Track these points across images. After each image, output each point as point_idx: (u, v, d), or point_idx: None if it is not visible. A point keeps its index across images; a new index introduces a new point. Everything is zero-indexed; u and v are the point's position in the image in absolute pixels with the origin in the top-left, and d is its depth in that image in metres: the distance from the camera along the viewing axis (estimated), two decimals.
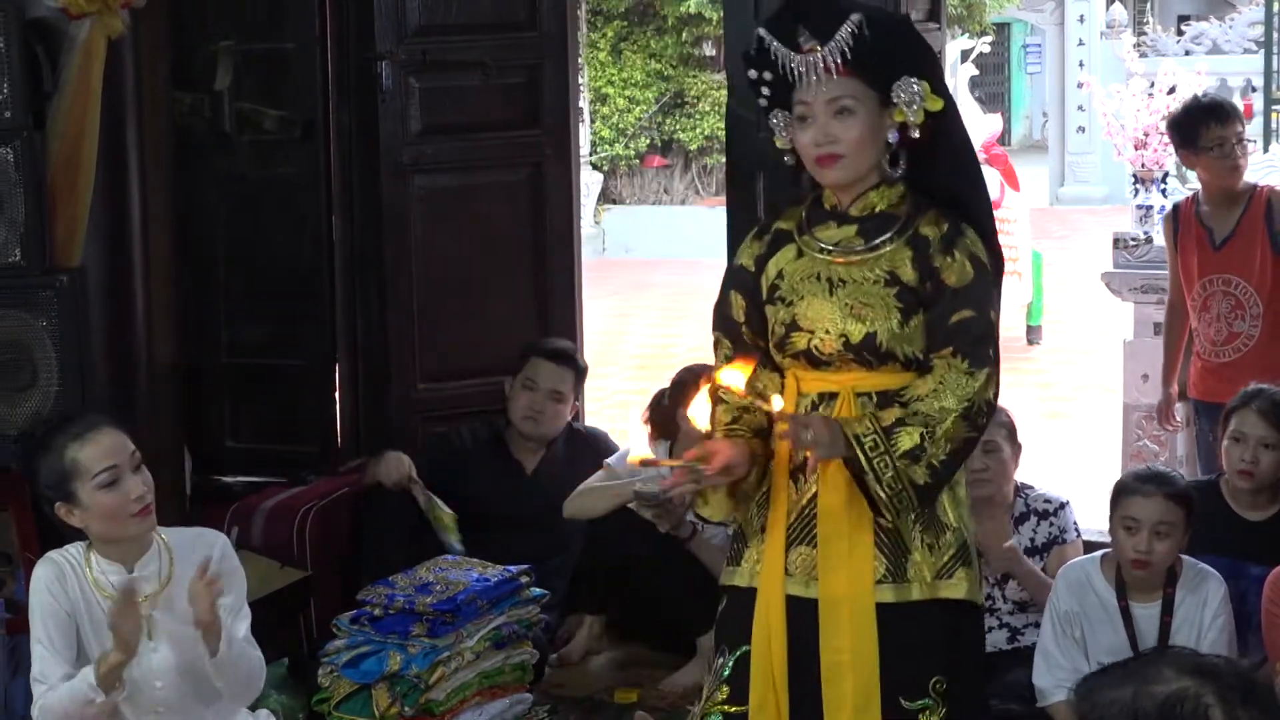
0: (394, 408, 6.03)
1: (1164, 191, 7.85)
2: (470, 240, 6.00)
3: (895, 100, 3.36)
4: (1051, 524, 4.83)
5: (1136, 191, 7.92)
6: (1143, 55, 12.23)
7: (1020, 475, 4.95)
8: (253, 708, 4.04)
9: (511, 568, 4.77)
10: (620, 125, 18.85)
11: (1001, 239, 8.60)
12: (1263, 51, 16.59)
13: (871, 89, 3.37)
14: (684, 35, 18.29)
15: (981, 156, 10.78)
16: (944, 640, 3.40)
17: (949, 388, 3.31)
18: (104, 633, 3.73)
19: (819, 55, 3.33)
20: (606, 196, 18.74)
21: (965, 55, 11.86)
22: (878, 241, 3.41)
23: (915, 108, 3.36)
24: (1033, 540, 4.82)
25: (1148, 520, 4.20)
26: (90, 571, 3.78)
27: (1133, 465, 6.38)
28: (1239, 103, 8.75)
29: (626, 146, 18.91)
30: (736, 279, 3.59)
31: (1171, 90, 7.87)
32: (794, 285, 3.46)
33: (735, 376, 3.33)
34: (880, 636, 3.37)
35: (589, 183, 17.04)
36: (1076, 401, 10.49)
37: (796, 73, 3.36)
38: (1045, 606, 4.45)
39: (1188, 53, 14.29)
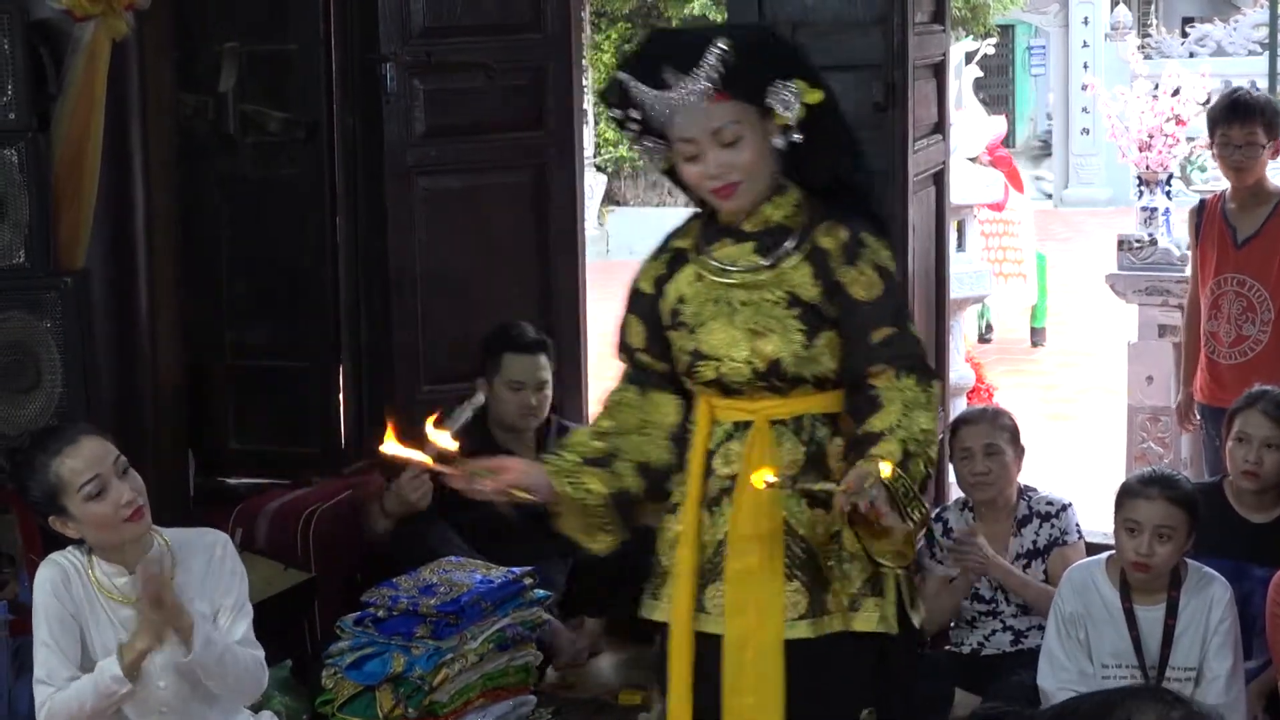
0: (398, 409, 6.02)
1: (1168, 193, 7.85)
2: (474, 242, 6.00)
3: (773, 107, 3.25)
4: (1053, 526, 4.82)
5: (1141, 193, 7.92)
6: (1147, 57, 12.23)
7: (1024, 477, 4.95)
8: (256, 709, 4.04)
9: (515, 569, 4.77)
10: None
11: (1006, 241, 8.51)
12: (1267, 53, 16.62)
13: (749, 104, 3.26)
14: None
15: (985, 159, 10.82)
16: (869, 670, 3.32)
17: (915, 408, 3.22)
18: (108, 634, 3.74)
19: (687, 90, 3.21)
20: (610, 198, 18.75)
21: (970, 57, 11.84)
22: (776, 257, 3.31)
23: (795, 107, 3.24)
24: (1034, 542, 4.81)
25: (1149, 523, 4.19)
26: (93, 574, 3.78)
27: (1137, 467, 6.37)
28: None
29: (630, 148, 18.90)
30: (635, 303, 3.50)
31: (1175, 92, 7.87)
32: (695, 311, 3.37)
33: (393, 448, 3.27)
34: (797, 674, 3.27)
35: (593, 184, 17.05)
36: (1080, 403, 10.49)
37: (666, 112, 3.24)
38: (1047, 609, 4.45)
39: (1192, 55, 14.29)
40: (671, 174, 3.41)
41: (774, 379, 3.29)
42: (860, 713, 3.30)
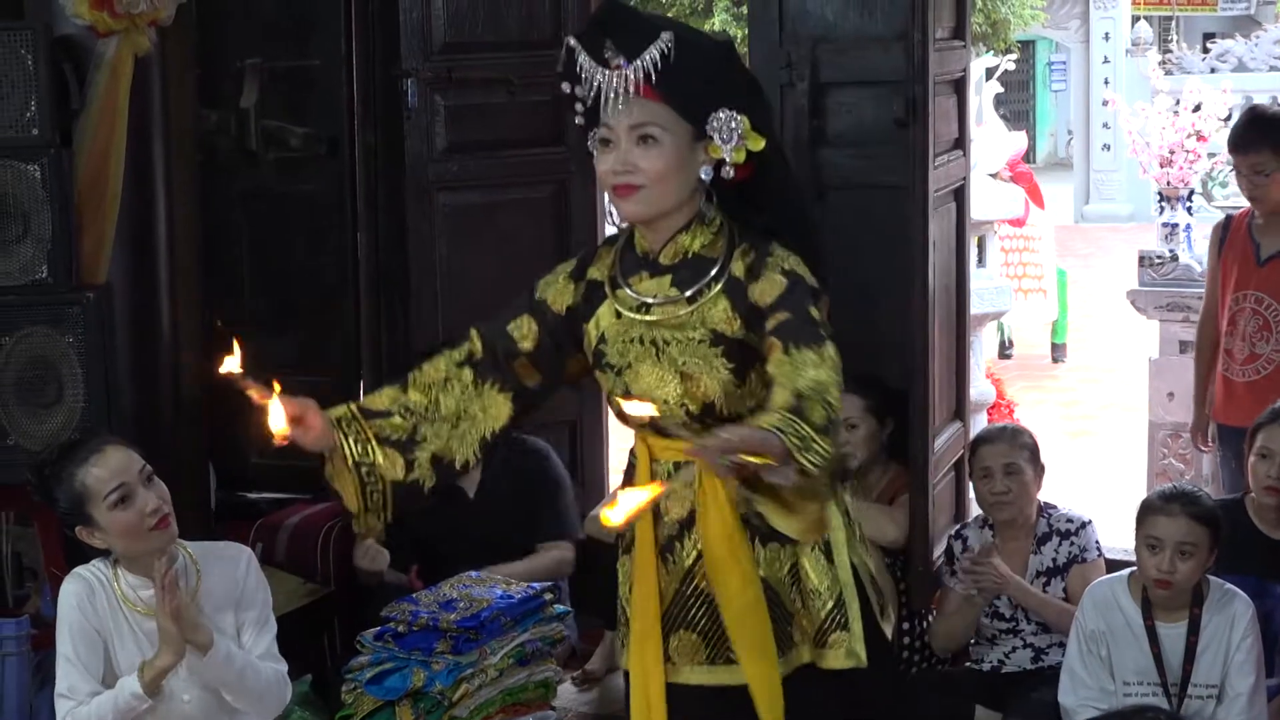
0: None
1: (1189, 209, 7.84)
2: (494, 257, 6.00)
3: (710, 134, 3.09)
4: (1072, 543, 4.80)
5: (1162, 209, 7.91)
6: (1168, 73, 12.20)
7: (1045, 494, 4.94)
8: None
9: (535, 584, 4.77)
10: None
11: (1027, 257, 8.48)
12: None
13: (683, 119, 3.09)
14: None
15: (1006, 174, 10.81)
16: (842, 703, 3.25)
17: (802, 366, 2.92)
18: (131, 647, 3.75)
19: (624, 73, 3.06)
20: None
21: (990, 73, 11.83)
22: (694, 290, 3.13)
23: (733, 144, 3.07)
24: (1054, 560, 4.80)
25: (1171, 540, 4.18)
26: (119, 586, 3.80)
27: (1158, 484, 6.35)
28: None
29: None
30: (536, 308, 3.32)
31: (1197, 108, 7.86)
32: (620, 351, 3.20)
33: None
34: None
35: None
36: (1101, 420, 10.47)
37: (601, 89, 3.09)
38: (1066, 627, 4.43)
39: (1213, 70, 14.24)
40: None
41: (709, 419, 3.13)
42: None
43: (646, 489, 2.94)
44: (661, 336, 3.17)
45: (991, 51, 19.26)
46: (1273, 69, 15.21)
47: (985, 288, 8.40)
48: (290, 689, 3.96)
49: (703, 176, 3.14)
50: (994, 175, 10.31)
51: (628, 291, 3.22)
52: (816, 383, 2.89)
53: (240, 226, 6.10)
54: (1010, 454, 4.83)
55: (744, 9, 11.46)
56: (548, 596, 4.75)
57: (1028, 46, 27.85)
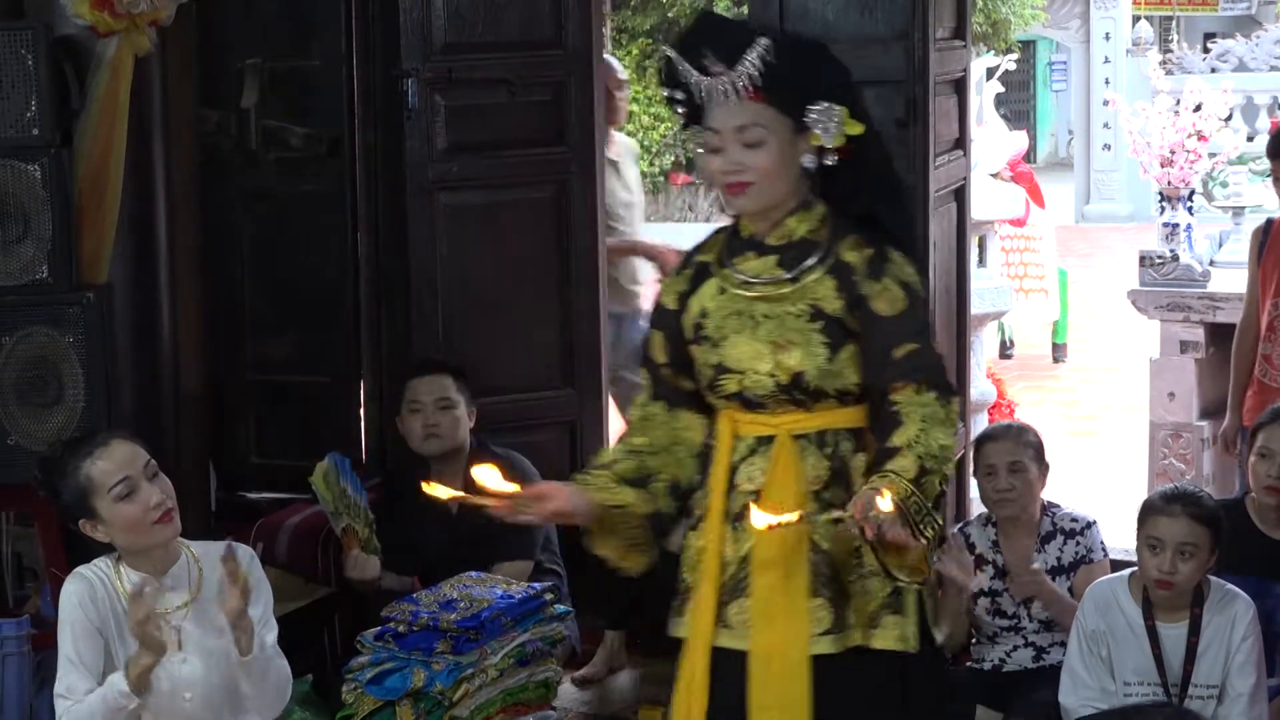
0: None
1: (1190, 209, 7.83)
2: (495, 257, 6.00)
3: (810, 126, 3.26)
4: (1078, 543, 4.80)
5: (1163, 209, 7.90)
6: (1169, 73, 12.20)
7: (1047, 494, 4.93)
8: None
9: (535, 585, 4.77)
10: (645, 143, 18.88)
11: (1027, 257, 8.50)
12: None
13: (784, 115, 3.27)
14: None
15: (1007, 174, 10.81)
16: (891, 687, 3.30)
17: (933, 423, 3.20)
18: (133, 645, 3.74)
19: (726, 81, 3.24)
20: None
21: (990, 73, 11.81)
22: (799, 271, 3.30)
23: (832, 134, 3.26)
24: (1059, 559, 4.80)
25: (1172, 540, 4.17)
26: (121, 584, 3.80)
27: (1159, 484, 6.35)
28: (1265, 120, 8.73)
29: (651, 164, 18.93)
30: (658, 318, 3.49)
31: (1197, 108, 7.85)
32: (718, 324, 3.36)
33: (487, 475, 3.25)
34: (821, 689, 3.25)
35: None
36: (1102, 420, 10.46)
37: (704, 96, 3.27)
38: (1071, 627, 4.43)
39: (1214, 70, 14.24)
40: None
41: (796, 392, 3.28)
42: None
43: (791, 515, 3.14)
44: (760, 310, 3.32)
45: (992, 51, 19.26)
46: (1273, 69, 15.21)
47: (986, 288, 8.40)
48: (292, 686, 3.97)
49: (806, 165, 3.30)
50: (995, 175, 10.31)
51: (733, 271, 3.37)
52: (942, 450, 3.19)
53: (240, 226, 6.10)
54: (1015, 451, 4.83)
55: (744, 9, 11.47)
56: (548, 596, 4.75)
57: (1028, 46, 27.86)
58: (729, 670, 3.32)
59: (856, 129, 3.28)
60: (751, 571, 3.31)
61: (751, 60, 3.21)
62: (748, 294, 3.33)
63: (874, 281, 3.27)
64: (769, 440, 3.33)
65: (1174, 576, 4.17)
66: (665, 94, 3.38)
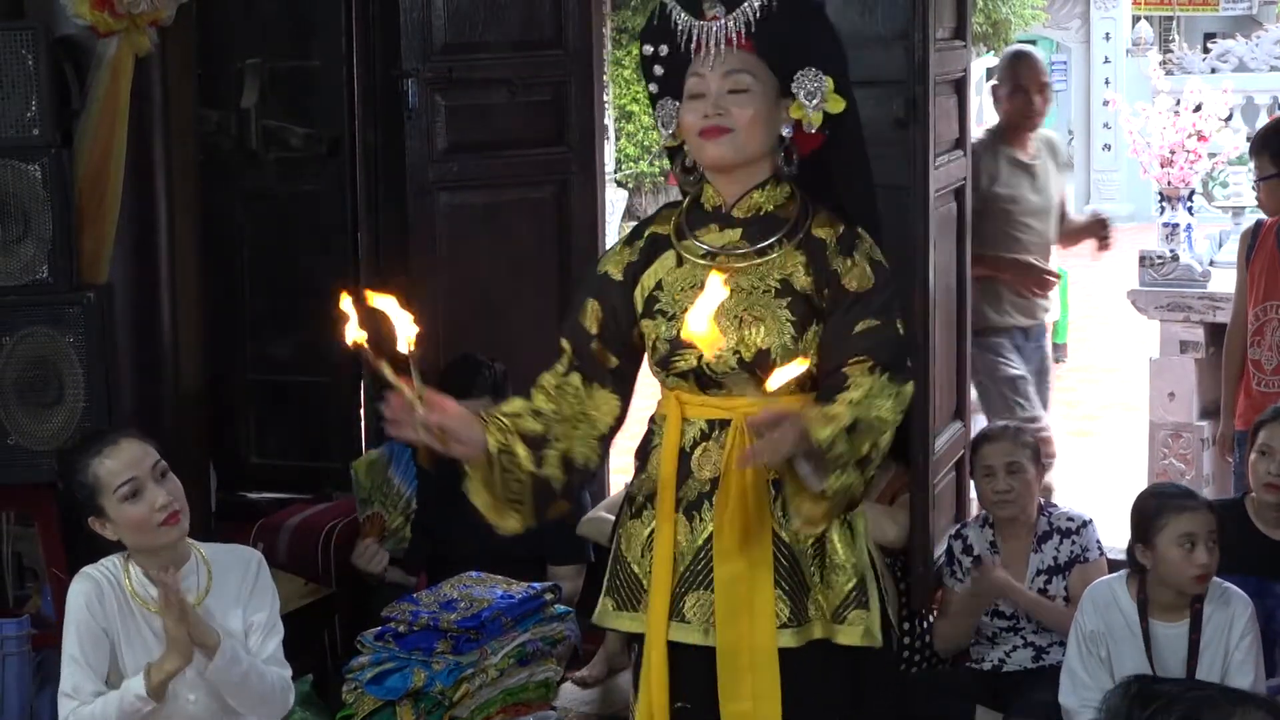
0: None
1: (1190, 209, 7.83)
2: (495, 258, 6.00)
3: (795, 91, 3.23)
4: (1074, 542, 4.81)
5: (1162, 209, 7.89)
6: (1169, 73, 12.18)
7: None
8: None
9: (535, 585, 4.77)
10: (645, 142, 18.87)
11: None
12: None
13: (773, 73, 3.23)
14: None
15: None
16: (849, 684, 3.26)
17: (877, 398, 3.07)
18: (139, 645, 3.75)
19: (722, 23, 3.20)
20: (631, 214, 18.76)
21: (991, 73, 11.82)
22: (764, 245, 3.23)
23: (815, 103, 3.22)
24: (1055, 559, 4.80)
25: (1204, 530, 4.16)
26: (129, 582, 3.80)
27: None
28: (1265, 120, 8.70)
29: (651, 164, 18.93)
30: (596, 286, 3.35)
31: (1197, 108, 7.85)
32: (675, 297, 3.24)
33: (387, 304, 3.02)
34: (784, 683, 3.19)
35: (614, 200, 17.06)
36: (1102, 419, 10.47)
37: (696, 40, 3.22)
38: (1067, 628, 4.43)
39: (1214, 70, 14.21)
40: (674, 154, 3.37)
41: (759, 370, 3.14)
42: None
43: (713, 291, 2.91)
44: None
45: (992, 51, 19.27)
46: (1273, 69, 15.19)
47: None
48: (294, 695, 3.95)
49: (784, 133, 3.26)
50: None
51: (694, 241, 3.29)
52: (879, 421, 3.05)
53: (241, 226, 6.11)
54: (1013, 452, 4.83)
55: None
56: (548, 597, 4.75)
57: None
58: (689, 666, 3.25)
59: (839, 105, 3.24)
60: (714, 561, 3.22)
61: (751, 5, 3.19)
62: (709, 264, 3.22)
63: (845, 258, 3.20)
64: (723, 425, 3.22)
65: (1209, 568, 4.17)
66: (646, 51, 3.31)
